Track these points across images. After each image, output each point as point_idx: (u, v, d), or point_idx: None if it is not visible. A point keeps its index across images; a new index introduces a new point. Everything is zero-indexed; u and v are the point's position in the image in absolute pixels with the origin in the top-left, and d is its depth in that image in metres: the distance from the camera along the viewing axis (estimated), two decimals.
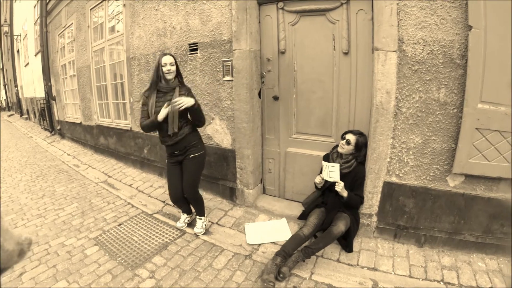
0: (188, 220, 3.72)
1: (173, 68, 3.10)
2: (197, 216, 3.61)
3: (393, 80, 2.87)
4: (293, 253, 2.88)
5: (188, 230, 3.64)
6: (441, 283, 2.69)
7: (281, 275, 2.71)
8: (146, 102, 3.22)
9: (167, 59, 3.07)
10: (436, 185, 2.98)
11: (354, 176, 3.11)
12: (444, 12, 2.63)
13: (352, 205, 3.10)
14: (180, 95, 3.10)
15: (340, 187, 2.93)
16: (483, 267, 2.83)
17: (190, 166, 3.30)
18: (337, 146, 3.19)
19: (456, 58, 2.66)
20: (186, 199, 3.49)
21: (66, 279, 2.85)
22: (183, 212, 3.72)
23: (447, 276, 2.75)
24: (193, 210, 3.72)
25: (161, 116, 3.05)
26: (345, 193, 2.97)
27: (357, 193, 3.10)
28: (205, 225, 3.59)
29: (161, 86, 3.13)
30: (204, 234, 3.54)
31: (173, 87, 3.14)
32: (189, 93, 3.21)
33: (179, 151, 3.27)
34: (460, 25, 2.60)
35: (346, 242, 3.11)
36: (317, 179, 3.16)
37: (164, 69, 3.06)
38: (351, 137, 3.07)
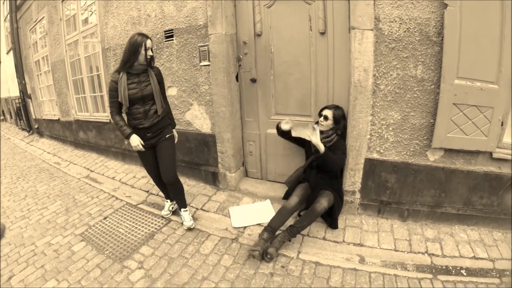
0: (172, 208, 3.70)
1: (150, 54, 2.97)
2: (182, 209, 3.46)
3: (370, 58, 2.89)
4: (279, 229, 2.92)
5: (174, 218, 3.63)
6: (426, 254, 2.77)
7: (268, 256, 2.74)
8: (113, 88, 2.97)
9: (150, 43, 2.91)
10: (416, 160, 3.04)
11: (335, 149, 3.07)
12: None
13: (330, 163, 3.02)
14: (155, 75, 3.05)
15: (314, 138, 2.94)
16: (465, 237, 2.93)
17: (168, 145, 3.21)
18: (316, 123, 3.19)
19: (432, 36, 2.69)
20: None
21: (55, 277, 2.81)
22: (167, 198, 3.70)
23: (431, 248, 2.83)
24: None
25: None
26: (322, 147, 2.94)
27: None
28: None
29: (136, 67, 2.94)
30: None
31: (145, 68, 3.00)
32: (159, 74, 3.15)
33: (152, 133, 3.13)
34: (435, 3, 2.62)
35: (331, 220, 3.16)
36: (286, 126, 3.10)
37: (148, 53, 2.91)
38: (327, 112, 3.09)
